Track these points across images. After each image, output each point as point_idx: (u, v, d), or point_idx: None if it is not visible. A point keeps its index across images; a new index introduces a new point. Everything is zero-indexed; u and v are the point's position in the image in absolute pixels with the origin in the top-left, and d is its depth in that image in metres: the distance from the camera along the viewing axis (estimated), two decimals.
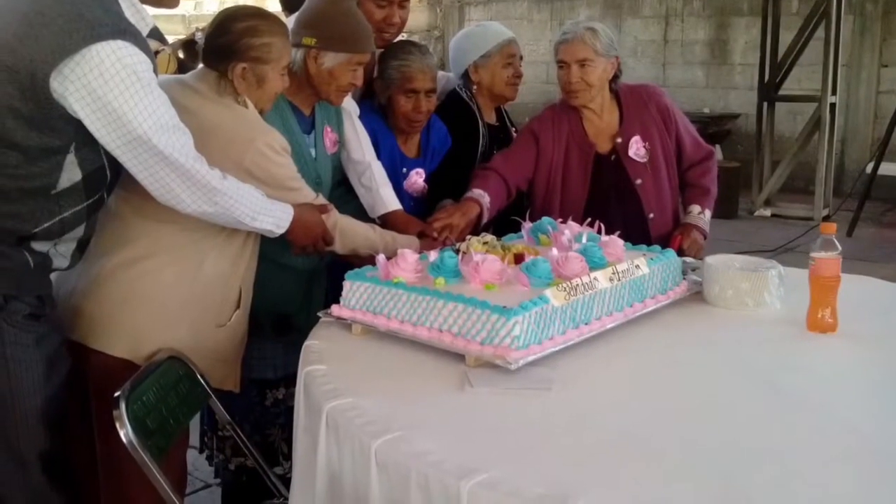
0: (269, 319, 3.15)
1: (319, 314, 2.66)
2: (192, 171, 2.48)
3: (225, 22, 2.80)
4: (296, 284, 3.21)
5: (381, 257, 2.62)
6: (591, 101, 3.57)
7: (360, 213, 3.31)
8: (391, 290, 2.48)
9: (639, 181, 3.57)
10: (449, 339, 2.35)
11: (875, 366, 2.36)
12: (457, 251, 2.69)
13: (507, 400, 2.11)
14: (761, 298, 2.75)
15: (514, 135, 3.92)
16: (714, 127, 11.15)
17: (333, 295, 2.71)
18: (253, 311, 2.97)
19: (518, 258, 2.66)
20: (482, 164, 3.66)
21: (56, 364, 2.54)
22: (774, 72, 10.24)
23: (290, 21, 3.13)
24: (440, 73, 3.74)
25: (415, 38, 9.18)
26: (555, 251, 2.63)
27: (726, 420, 2.02)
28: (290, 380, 2.91)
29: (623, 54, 3.71)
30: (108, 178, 2.54)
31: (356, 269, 2.65)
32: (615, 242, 2.81)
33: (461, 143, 3.72)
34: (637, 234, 3.27)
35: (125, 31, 2.37)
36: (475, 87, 3.80)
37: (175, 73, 3.02)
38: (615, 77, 3.60)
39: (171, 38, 3.13)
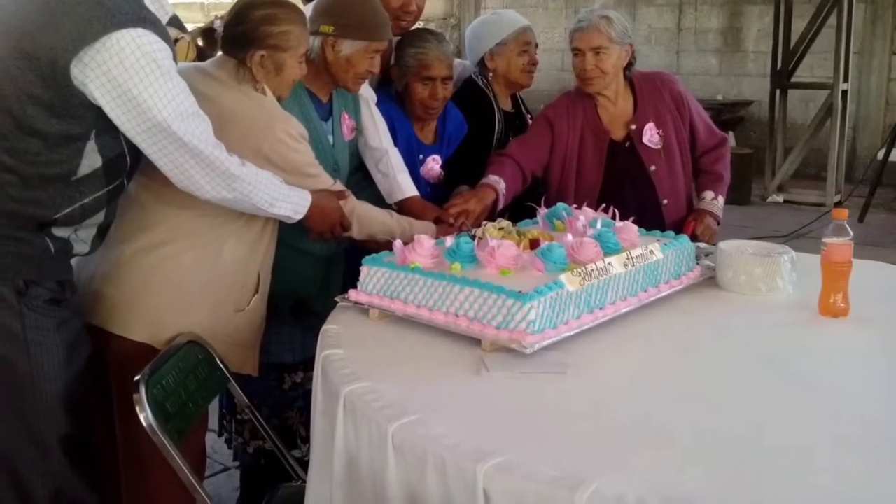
0: (288, 304, 3.17)
1: (337, 299, 2.67)
2: (211, 157, 2.50)
3: (243, 10, 2.82)
4: (314, 270, 3.23)
5: (398, 243, 2.62)
6: (606, 88, 3.57)
7: (377, 200, 3.33)
8: (408, 275, 2.49)
9: (653, 167, 3.58)
10: (465, 323, 2.36)
11: (886, 350, 2.37)
12: (473, 237, 2.69)
13: (522, 384, 2.12)
14: (774, 283, 2.76)
15: (530, 121, 3.93)
16: (727, 114, 11.11)
17: (351, 280, 2.72)
18: (271, 295, 2.99)
19: (533, 244, 2.66)
20: (498, 150, 3.68)
21: (76, 348, 2.56)
22: (787, 59, 10.20)
23: (307, 9, 3.14)
24: (456, 61, 3.75)
25: (431, 26, 9.17)
26: (570, 237, 2.65)
27: (739, 404, 2.03)
28: (308, 364, 2.91)
29: (637, 42, 3.72)
30: (129, 165, 2.56)
31: (373, 255, 2.66)
32: (629, 228, 2.82)
33: (477, 129, 3.73)
34: (651, 219, 3.28)
35: (145, 18, 2.38)
36: (491, 74, 3.82)
37: (194, 60, 3.03)
38: (629, 64, 3.60)
39: (190, 27, 3.13)
